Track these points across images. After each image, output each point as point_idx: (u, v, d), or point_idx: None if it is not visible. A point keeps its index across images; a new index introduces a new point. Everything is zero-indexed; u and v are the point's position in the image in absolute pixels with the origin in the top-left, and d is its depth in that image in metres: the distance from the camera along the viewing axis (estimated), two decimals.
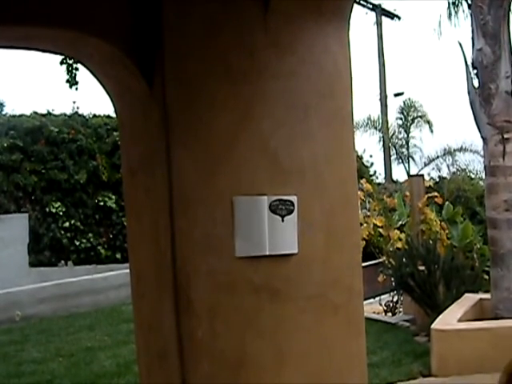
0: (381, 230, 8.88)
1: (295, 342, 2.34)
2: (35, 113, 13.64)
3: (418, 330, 7.31)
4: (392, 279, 8.08)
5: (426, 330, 6.61)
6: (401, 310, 8.74)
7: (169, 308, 2.24)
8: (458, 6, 10.68)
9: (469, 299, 7.31)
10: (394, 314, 8.71)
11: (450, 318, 6.43)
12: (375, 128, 19.20)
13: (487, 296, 7.45)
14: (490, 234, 7.54)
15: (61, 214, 12.55)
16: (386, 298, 9.01)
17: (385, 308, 8.82)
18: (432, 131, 20.41)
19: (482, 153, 10.78)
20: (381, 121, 19.50)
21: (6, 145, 12.30)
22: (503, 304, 7.23)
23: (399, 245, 8.19)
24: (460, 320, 6.44)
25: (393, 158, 20.18)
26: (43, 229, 12.51)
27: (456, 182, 17.51)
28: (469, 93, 9.14)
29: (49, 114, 13.64)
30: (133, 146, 2.57)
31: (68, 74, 7.19)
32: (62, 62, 7.09)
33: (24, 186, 12.34)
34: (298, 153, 2.38)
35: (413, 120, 20.56)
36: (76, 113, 13.75)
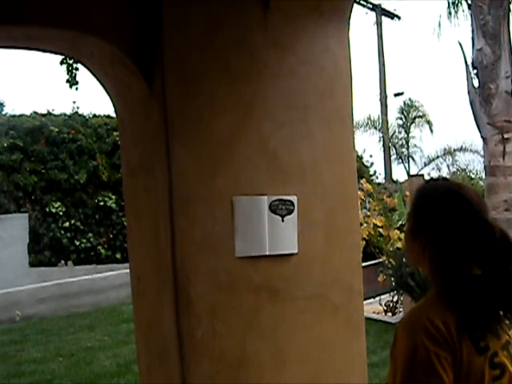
0: (381, 229, 8.86)
1: (295, 341, 2.34)
2: (35, 113, 13.62)
3: None
4: (392, 279, 8.06)
5: None
6: (401, 310, 8.73)
7: (169, 308, 2.24)
8: (457, 5, 10.68)
9: None
10: (393, 314, 8.70)
11: None
12: (375, 128, 19.18)
13: None
14: None
15: (61, 213, 12.53)
16: (386, 297, 9.00)
17: (385, 308, 8.81)
18: (432, 131, 20.42)
19: (482, 153, 10.78)
20: (381, 121, 19.48)
21: (5, 145, 12.29)
22: None
23: (399, 245, 8.17)
24: None
25: (393, 158, 20.15)
26: (43, 229, 12.49)
27: None
28: (469, 93, 9.14)
29: (49, 113, 13.62)
30: (133, 145, 2.57)
31: (68, 73, 7.18)
32: (62, 62, 7.08)
33: (24, 186, 12.32)
34: (298, 153, 2.39)
35: (413, 120, 20.55)
36: (76, 113, 13.72)
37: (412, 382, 1.30)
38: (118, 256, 12.81)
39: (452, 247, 1.42)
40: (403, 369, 1.32)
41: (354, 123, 2.69)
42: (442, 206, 1.45)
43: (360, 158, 17.57)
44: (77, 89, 7.38)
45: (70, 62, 7.02)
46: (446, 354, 1.30)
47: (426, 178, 15.27)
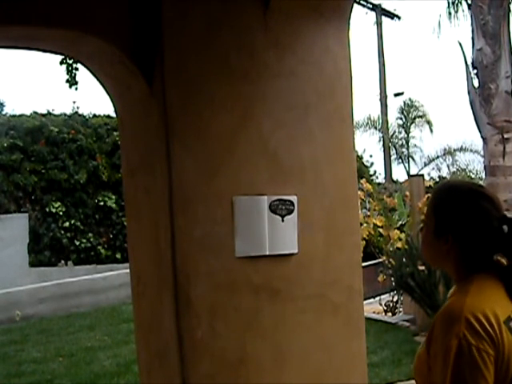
0: (381, 229, 8.85)
1: (295, 341, 2.34)
2: (35, 113, 13.62)
3: (418, 330, 7.30)
4: (392, 279, 8.06)
5: (425, 330, 6.60)
6: (401, 310, 8.72)
7: (169, 308, 2.24)
8: (457, 5, 10.69)
9: None
10: (393, 314, 8.70)
11: None
12: (375, 128, 19.19)
13: None
14: None
15: (61, 213, 12.53)
16: (386, 297, 9.00)
17: (385, 308, 8.81)
18: (432, 131, 20.42)
19: (482, 153, 10.79)
20: (381, 121, 19.48)
21: (6, 145, 12.29)
22: None
23: (399, 245, 8.16)
24: None
25: (393, 158, 20.15)
26: (43, 229, 12.49)
27: None
28: (469, 93, 9.15)
29: (49, 113, 13.62)
30: (133, 145, 2.57)
31: (68, 74, 7.18)
32: (61, 62, 7.08)
33: (24, 186, 12.32)
34: (298, 153, 2.39)
35: (413, 120, 20.55)
36: (76, 113, 13.72)
37: (457, 378, 1.31)
38: (118, 256, 12.81)
39: (479, 243, 1.48)
40: (446, 364, 1.33)
41: (354, 123, 2.69)
42: (466, 204, 1.49)
43: (360, 157, 17.57)
44: (76, 89, 7.38)
45: (70, 62, 7.02)
46: (488, 347, 1.31)
47: (426, 178, 15.27)
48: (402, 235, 8.43)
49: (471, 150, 18.41)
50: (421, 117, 20.55)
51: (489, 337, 1.32)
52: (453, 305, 1.42)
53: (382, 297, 9.08)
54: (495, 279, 1.46)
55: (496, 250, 1.49)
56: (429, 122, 20.47)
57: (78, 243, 12.71)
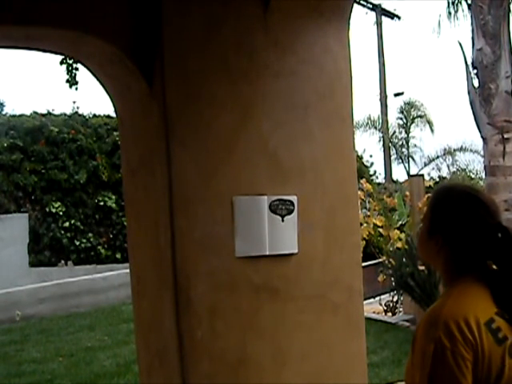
0: (381, 229, 8.85)
1: (295, 341, 2.34)
2: (35, 113, 13.62)
3: None
4: (392, 279, 8.06)
5: None
6: (401, 310, 8.73)
7: (169, 308, 2.24)
8: (457, 5, 10.68)
9: None
10: (394, 314, 8.70)
11: None
12: (375, 128, 19.19)
13: None
14: None
15: (61, 213, 12.53)
16: (386, 297, 9.00)
17: (385, 308, 8.81)
18: (432, 131, 20.40)
19: (482, 153, 10.79)
20: (381, 121, 19.47)
21: (6, 145, 12.29)
22: None
23: (399, 245, 8.16)
24: None
25: (393, 157, 20.13)
26: (43, 229, 12.49)
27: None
28: (469, 93, 9.15)
29: (49, 113, 13.62)
30: (133, 145, 2.57)
31: (68, 73, 7.19)
32: (61, 62, 7.09)
33: (24, 186, 12.32)
34: (298, 153, 2.39)
35: (413, 120, 20.54)
36: (76, 113, 13.72)
37: (432, 379, 1.34)
38: (118, 256, 12.80)
39: (469, 248, 1.49)
40: (423, 366, 1.36)
41: (354, 123, 2.69)
42: (460, 208, 1.51)
43: (360, 157, 17.57)
44: (77, 89, 7.39)
45: (70, 62, 7.03)
46: (464, 351, 1.33)
47: (426, 178, 15.26)
48: (402, 235, 8.43)
49: (471, 150, 18.41)
50: (421, 117, 20.53)
51: (465, 341, 1.33)
52: (434, 308, 1.44)
53: (382, 297, 9.08)
54: (480, 281, 1.47)
55: (486, 256, 1.50)
56: (429, 122, 20.46)
57: (78, 243, 12.71)
